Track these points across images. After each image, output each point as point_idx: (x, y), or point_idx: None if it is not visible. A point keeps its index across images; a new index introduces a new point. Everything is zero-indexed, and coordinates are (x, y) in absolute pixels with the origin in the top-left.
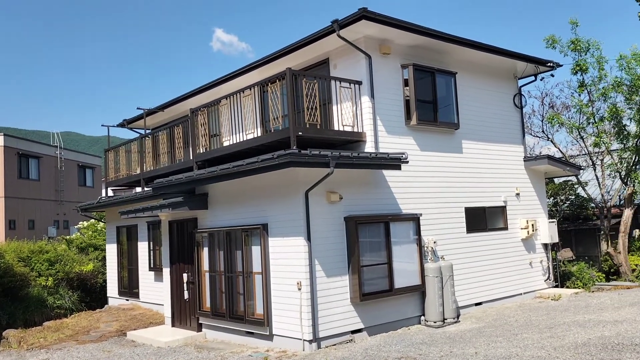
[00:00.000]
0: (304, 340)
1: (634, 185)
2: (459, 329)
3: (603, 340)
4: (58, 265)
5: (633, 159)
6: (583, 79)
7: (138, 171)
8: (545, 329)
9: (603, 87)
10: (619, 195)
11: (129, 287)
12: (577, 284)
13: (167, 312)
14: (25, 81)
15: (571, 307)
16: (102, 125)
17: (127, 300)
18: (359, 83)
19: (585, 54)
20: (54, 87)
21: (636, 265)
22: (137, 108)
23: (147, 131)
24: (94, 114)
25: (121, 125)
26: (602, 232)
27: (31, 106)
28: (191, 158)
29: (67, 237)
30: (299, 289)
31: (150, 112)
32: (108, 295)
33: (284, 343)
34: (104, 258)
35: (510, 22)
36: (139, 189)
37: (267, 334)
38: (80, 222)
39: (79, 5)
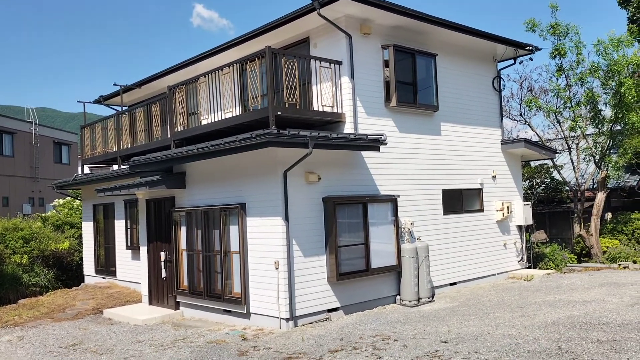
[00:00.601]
0: (281, 318)
1: (607, 170)
2: (434, 308)
3: (572, 320)
4: (33, 243)
5: (607, 143)
6: (561, 63)
7: (115, 149)
8: (516, 308)
9: (580, 72)
10: (593, 179)
11: (106, 266)
12: (550, 265)
13: (144, 290)
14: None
15: (543, 288)
16: (78, 102)
17: (104, 278)
18: (339, 63)
19: (564, 38)
20: (28, 62)
21: (607, 247)
22: (114, 84)
23: (124, 108)
24: (70, 90)
25: (97, 101)
26: (575, 214)
27: (4, 81)
28: (169, 136)
29: (43, 214)
30: (277, 269)
31: (127, 89)
32: (85, 273)
33: (261, 321)
34: (81, 236)
35: (491, 5)
36: (115, 167)
37: (245, 312)
38: (56, 200)
39: None
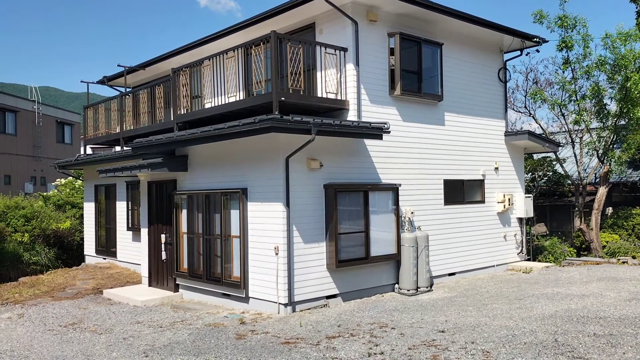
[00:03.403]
0: (280, 303)
1: (610, 164)
2: (432, 297)
3: (569, 313)
4: (34, 222)
5: (611, 138)
6: (568, 56)
7: (118, 130)
8: (514, 300)
9: (587, 65)
10: (595, 174)
11: (107, 246)
12: (549, 258)
13: (144, 271)
14: (2, 32)
15: (541, 280)
16: (81, 82)
17: (105, 259)
18: (345, 50)
19: (572, 31)
20: (32, 39)
21: (607, 242)
22: (118, 65)
23: (128, 89)
24: (74, 69)
25: (101, 82)
26: (576, 208)
27: (8, 57)
28: (172, 119)
29: (44, 193)
30: (276, 254)
31: (132, 70)
32: (85, 253)
33: (260, 306)
34: (82, 216)
35: None
36: (118, 148)
37: (243, 296)
38: (58, 180)
39: None
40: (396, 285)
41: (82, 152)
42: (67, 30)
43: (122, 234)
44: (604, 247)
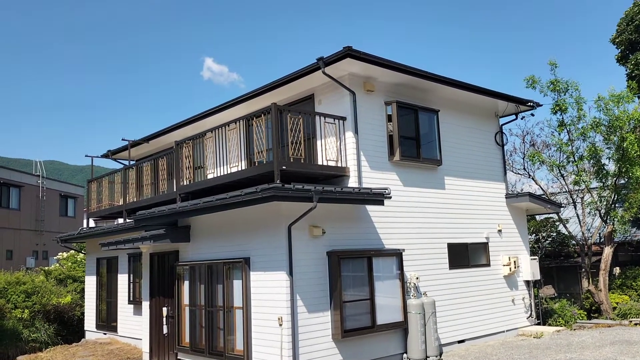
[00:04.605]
0: None
1: (613, 224)
2: None
3: None
4: (35, 297)
5: (612, 197)
6: (562, 118)
7: (121, 202)
8: None
9: (582, 127)
10: (599, 233)
11: (107, 321)
12: (559, 322)
13: (145, 346)
14: (8, 110)
15: (553, 346)
16: (86, 156)
17: (105, 334)
18: (343, 119)
19: (565, 94)
20: (38, 116)
21: (617, 303)
22: (122, 139)
23: (132, 162)
24: (79, 143)
25: (105, 156)
26: (583, 269)
27: (14, 134)
28: (175, 190)
29: (46, 268)
30: (280, 325)
31: (135, 144)
32: (85, 328)
33: None
34: (83, 290)
35: (492, 61)
36: (121, 220)
37: None
38: (60, 253)
39: (70, 32)
40: (404, 355)
41: (85, 224)
42: (74, 107)
43: (123, 308)
44: (614, 308)
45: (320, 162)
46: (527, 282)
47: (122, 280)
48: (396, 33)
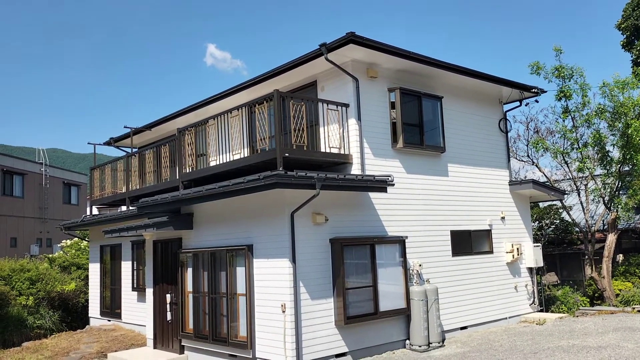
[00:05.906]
0: None
1: (617, 211)
2: (444, 353)
3: None
4: (39, 284)
5: (616, 184)
6: (567, 105)
7: (124, 190)
8: (529, 354)
9: (586, 114)
10: (603, 220)
11: (111, 308)
12: (562, 309)
13: (149, 333)
14: (11, 97)
15: (555, 332)
16: (88, 143)
17: (109, 320)
18: (346, 105)
19: (569, 81)
20: (41, 103)
21: (620, 290)
22: (125, 127)
23: (134, 150)
24: (81, 131)
25: (108, 143)
26: (586, 256)
27: (16, 122)
28: (177, 177)
29: (50, 255)
30: (283, 312)
31: (138, 131)
32: (89, 315)
33: None
34: (87, 277)
35: (497, 46)
36: (124, 208)
37: (250, 357)
38: (64, 241)
39: (74, 24)
40: (407, 341)
41: (88, 212)
42: (76, 93)
43: (127, 295)
44: (617, 295)
45: (323, 149)
46: (530, 269)
47: (126, 267)
48: (399, 24)
